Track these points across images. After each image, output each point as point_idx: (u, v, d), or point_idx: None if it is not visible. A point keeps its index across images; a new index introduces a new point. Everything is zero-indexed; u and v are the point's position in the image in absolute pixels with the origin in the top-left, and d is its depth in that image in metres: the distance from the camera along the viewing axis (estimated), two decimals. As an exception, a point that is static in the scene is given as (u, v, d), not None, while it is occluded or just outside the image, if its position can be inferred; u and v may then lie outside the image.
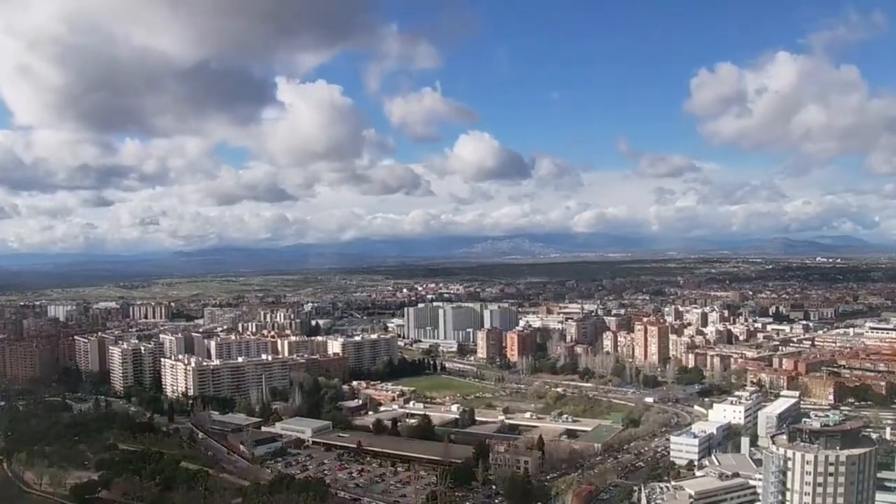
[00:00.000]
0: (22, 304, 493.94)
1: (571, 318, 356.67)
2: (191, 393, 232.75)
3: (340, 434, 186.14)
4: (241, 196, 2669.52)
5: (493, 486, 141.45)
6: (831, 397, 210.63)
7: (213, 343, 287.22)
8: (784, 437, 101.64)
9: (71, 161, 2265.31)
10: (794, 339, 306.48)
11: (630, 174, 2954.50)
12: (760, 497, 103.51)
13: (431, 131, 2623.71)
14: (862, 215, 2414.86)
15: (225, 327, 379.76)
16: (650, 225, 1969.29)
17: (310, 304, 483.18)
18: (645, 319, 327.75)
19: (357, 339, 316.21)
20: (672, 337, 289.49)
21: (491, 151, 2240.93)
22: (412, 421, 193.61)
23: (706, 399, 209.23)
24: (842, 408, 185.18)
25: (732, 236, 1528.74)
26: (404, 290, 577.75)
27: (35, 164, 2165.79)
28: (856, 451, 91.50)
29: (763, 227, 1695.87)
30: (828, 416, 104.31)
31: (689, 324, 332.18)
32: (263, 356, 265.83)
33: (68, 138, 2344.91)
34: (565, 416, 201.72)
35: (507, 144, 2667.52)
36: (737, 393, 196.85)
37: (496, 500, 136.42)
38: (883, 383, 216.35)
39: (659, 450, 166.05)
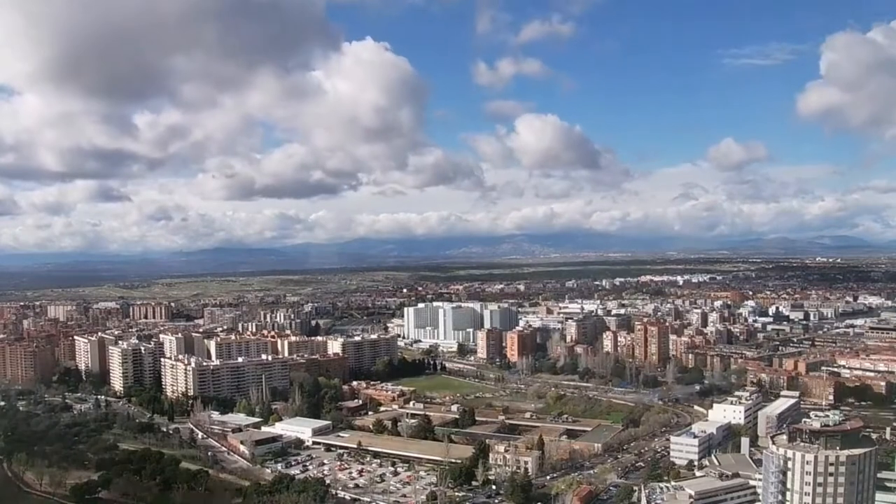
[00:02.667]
0: (22, 304, 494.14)
1: (571, 318, 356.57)
2: (191, 393, 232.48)
3: (340, 434, 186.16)
4: (265, 190, 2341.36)
5: (493, 486, 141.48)
6: (831, 397, 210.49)
7: (213, 343, 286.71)
8: (784, 437, 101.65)
9: (68, 140, 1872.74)
10: (794, 339, 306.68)
11: (688, 167, 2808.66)
12: (760, 497, 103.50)
13: (504, 106, 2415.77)
14: (887, 214, 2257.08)
15: (225, 327, 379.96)
16: (672, 224, 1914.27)
17: (310, 304, 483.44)
18: (645, 319, 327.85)
19: (357, 339, 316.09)
20: (672, 337, 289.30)
21: (557, 137, 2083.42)
22: (412, 421, 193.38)
23: (706, 399, 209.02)
24: (842, 408, 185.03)
25: (748, 235, 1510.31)
26: (404, 290, 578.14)
27: (20, 143, 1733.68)
28: (856, 451, 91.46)
29: (782, 226, 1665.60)
30: (828, 416, 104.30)
31: (689, 324, 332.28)
32: (263, 356, 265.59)
33: (63, 109, 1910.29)
34: (565, 416, 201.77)
35: (578, 130, 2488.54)
36: (737, 393, 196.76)
37: (496, 500, 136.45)
38: (883, 383, 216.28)
39: (659, 450, 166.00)
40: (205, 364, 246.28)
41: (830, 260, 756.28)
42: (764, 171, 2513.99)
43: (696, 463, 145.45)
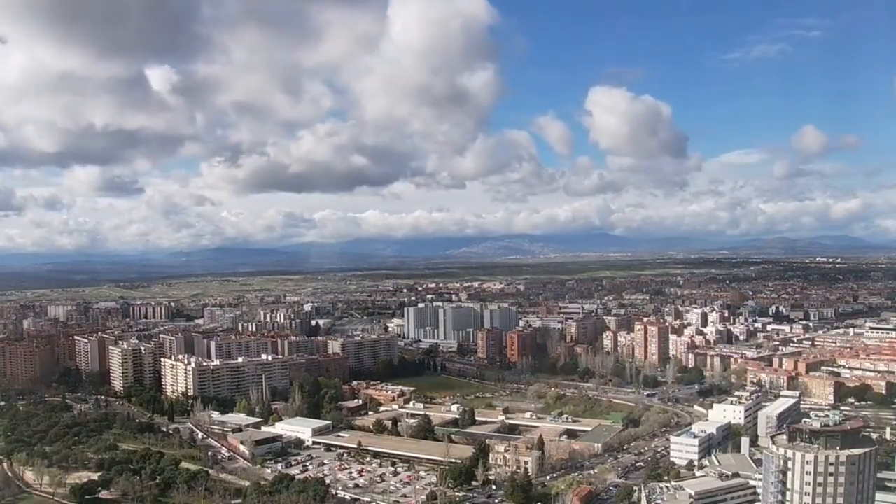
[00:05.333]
0: (22, 304, 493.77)
1: (571, 318, 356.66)
2: (191, 393, 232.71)
3: (340, 434, 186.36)
4: (283, 182, 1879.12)
5: (493, 486, 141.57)
6: (831, 397, 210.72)
7: (213, 343, 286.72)
8: (784, 437, 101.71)
9: (63, 111, 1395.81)
10: (794, 339, 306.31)
11: (752, 158, 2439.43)
12: (760, 497, 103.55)
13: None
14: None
15: (225, 327, 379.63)
16: (691, 223, 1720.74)
17: (310, 304, 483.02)
18: (645, 319, 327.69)
19: (357, 339, 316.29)
20: (672, 337, 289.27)
21: (636, 119, 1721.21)
22: (412, 421, 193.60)
23: (706, 399, 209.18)
24: (842, 408, 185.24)
25: (764, 234, 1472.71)
26: (404, 290, 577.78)
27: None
28: (856, 451, 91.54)
29: (804, 225, 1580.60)
30: (828, 416, 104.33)
31: (689, 324, 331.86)
32: (263, 356, 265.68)
33: (54, 67, 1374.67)
34: (565, 416, 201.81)
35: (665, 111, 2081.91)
36: (737, 393, 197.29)
37: (496, 500, 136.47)
38: (883, 383, 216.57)
39: (659, 450, 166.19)
40: (205, 364, 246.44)
41: (830, 260, 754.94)
42: (820, 165, 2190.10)
43: (696, 463, 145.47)
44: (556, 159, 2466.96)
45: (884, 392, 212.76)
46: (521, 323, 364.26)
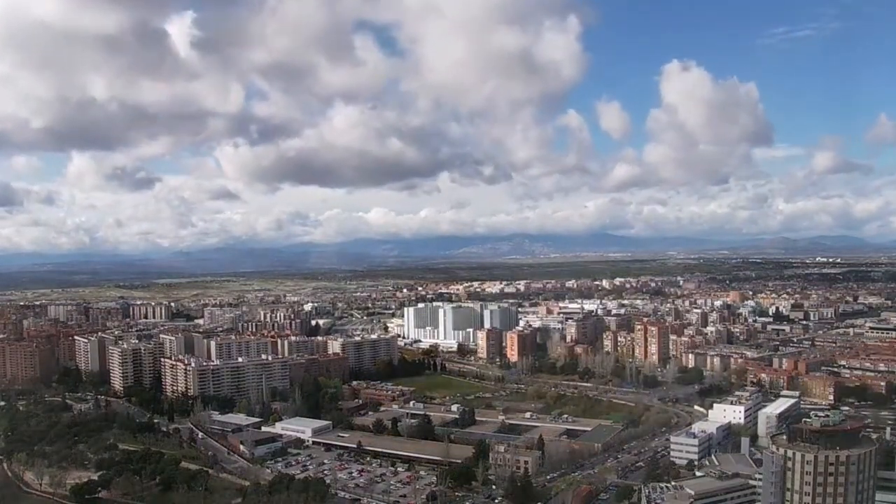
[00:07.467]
0: (22, 304, 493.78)
1: (571, 318, 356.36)
2: (191, 393, 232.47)
3: (340, 434, 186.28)
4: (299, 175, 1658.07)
5: (493, 486, 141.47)
6: (831, 397, 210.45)
7: (213, 343, 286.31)
8: (784, 437, 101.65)
9: (50, 80, 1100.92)
10: (794, 339, 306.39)
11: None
12: (760, 497, 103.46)
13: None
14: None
15: (225, 327, 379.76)
16: (713, 223, 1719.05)
17: (310, 304, 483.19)
18: (645, 319, 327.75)
19: (357, 339, 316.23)
20: (672, 337, 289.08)
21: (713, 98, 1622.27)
22: (412, 421, 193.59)
23: (706, 399, 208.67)
24: (842, 408, 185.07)
25: (777, 233, 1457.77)
26: (404, 290, 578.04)
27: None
28: (856, 451, 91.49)
29: (820, 225, 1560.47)
30: (828, 415, 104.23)
31: (689, 324, 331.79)
32: (263, 356, 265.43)
33: (35, 16, 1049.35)
34: (565, 416, 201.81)
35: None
36: (737, 393, 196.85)
37: (496, 501, 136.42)
38: (883, 383, 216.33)
39: (659, 450, 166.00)
40: (205, 364, 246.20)
41: (830, 260, 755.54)
42: (868, 160, 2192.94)
43: (696, 463, 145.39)
44: (608, 147, 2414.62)
45: (884, 392, 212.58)
46: (521, 323, 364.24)
